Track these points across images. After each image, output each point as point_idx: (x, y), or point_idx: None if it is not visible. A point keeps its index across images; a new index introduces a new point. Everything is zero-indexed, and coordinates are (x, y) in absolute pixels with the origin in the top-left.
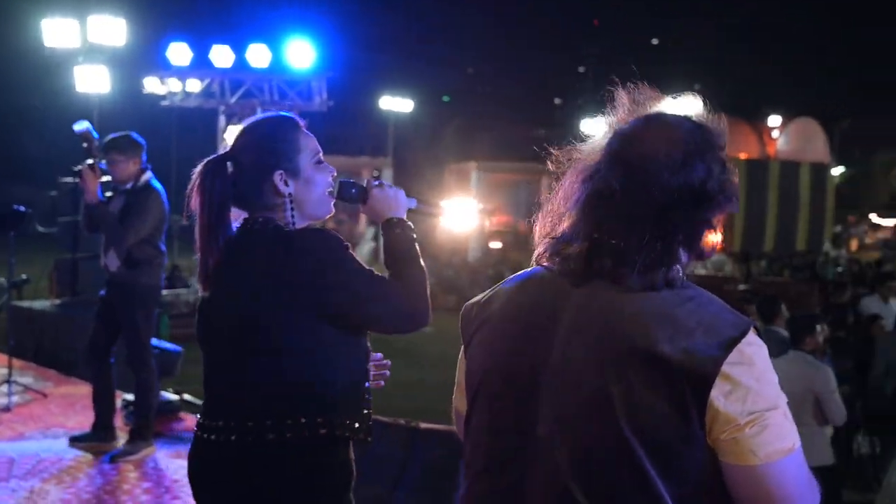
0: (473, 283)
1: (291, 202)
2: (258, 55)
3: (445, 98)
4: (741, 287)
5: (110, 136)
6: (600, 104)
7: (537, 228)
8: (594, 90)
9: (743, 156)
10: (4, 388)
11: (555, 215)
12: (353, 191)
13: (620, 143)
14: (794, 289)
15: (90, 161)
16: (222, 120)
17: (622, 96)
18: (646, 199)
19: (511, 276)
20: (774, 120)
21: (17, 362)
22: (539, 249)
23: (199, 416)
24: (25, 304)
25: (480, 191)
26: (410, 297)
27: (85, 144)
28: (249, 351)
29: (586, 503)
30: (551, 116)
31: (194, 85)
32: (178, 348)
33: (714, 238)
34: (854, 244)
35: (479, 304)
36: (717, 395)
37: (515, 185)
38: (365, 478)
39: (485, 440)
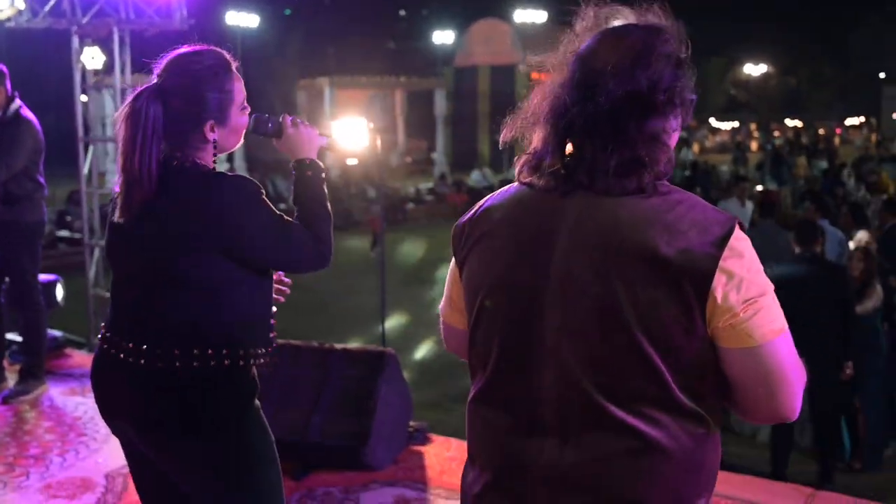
0: (336, 201)
1: (215, 146)
2: None
3: (287, 11)
4: None
5: None
6: (445, 14)
7: (501, 137)
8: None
9: None
10: None
11: (521, 127)
12: (269, 125)
13: (576, 60)
14: None
15: None
16: (75, 41)
17: (586, 14)
18: (595, 109)
19: (495, 194)
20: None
21: None
22: (516, 168)
23: (104, 329)
24: None
25: (333, 107)
26: (317, 241)
27: None
28: (162, 283)
29: (600, 397)
30: (398, 28)
31: (42, 5)
32: (57, 277)
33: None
34: (696, 148)
35: (469, 223)
36: (716, 288)
37: (369, 100)
38: (280, 403)
39: (493, 350)
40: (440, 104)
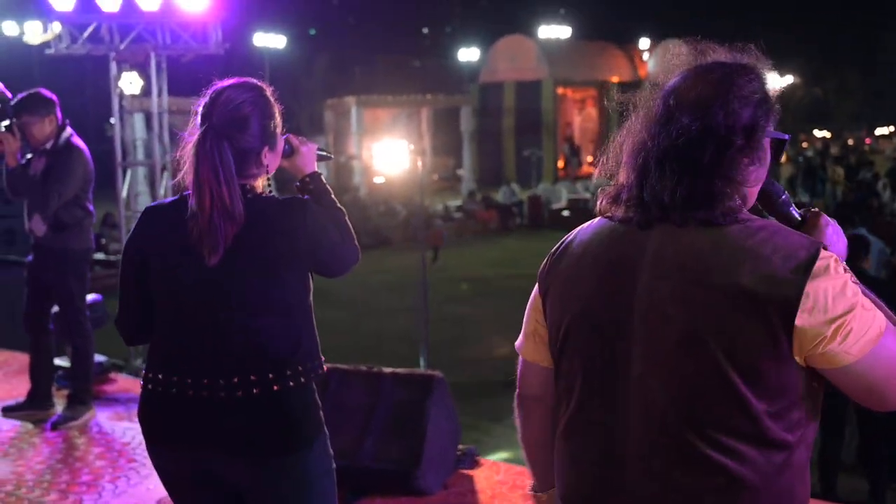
0: (365, 219)
1: (266, 171)
2: None
3: (312, 32)
4: None
5: (17, 97)
6: (468, 30)
7: (596, 171)
8: (462, 17)
9: (615, 79)
10: None
11: (612, 165)
12: (287, 147)
13: (662, 96)
14: None
15: (6, 123)
16: (113, 67)
17: (679, 51)
18: (669, 143)
19: (578, 229)
20: (644, 43)
21: None
22: (600, 202)
23: (155, 371)
24: None
25: (360, 126)
26: (351, 239)
27: None
28: (242, 312)
29: (685, 431)
30: (423, 46)
31: (81, 31)
32: (100, 297)
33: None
34: None
35: (552, 257)
36: (801, 313)
37: (395, 117)
38: (330, 427)
39: (577, 383)
40: (466, 121)
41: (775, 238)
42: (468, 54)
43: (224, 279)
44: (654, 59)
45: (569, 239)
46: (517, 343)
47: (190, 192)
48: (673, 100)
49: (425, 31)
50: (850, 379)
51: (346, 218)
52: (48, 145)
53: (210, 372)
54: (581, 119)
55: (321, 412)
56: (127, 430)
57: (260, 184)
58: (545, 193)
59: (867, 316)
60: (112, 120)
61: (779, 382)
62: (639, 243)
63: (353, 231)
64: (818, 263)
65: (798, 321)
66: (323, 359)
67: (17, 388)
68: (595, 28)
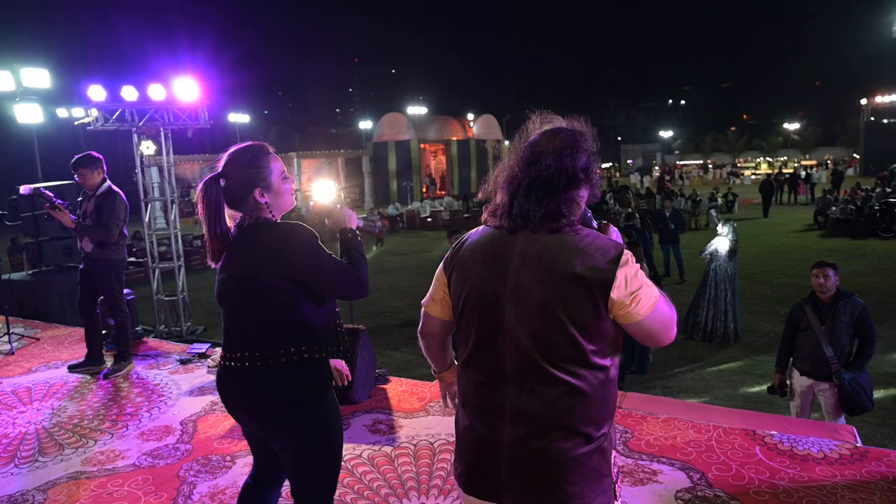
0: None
1: (268, 206)
2: (156, 91)
3: (266, 112)
4: (465, 215)
5: (76, 157)
6: (365, 110)
7: (480, 195)
8: (360, 101)
9: (454, 138)
10: (5, 338)
11: (492, 191)
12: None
13: (528, 147)
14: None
15: (51, 205)
16: (135, 137)
17: (535, 119)
18: (536, 177)
19: (470, 233)
20: (471, 116)
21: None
22: (483, 215)
23: (222, 351)
24: (5, 276)
25: (300, 171)
26: (360, 276)
27: (43, 200)
28: (255, 306)
29: (543, 363)
30: (336, 120)
31: (111, 114)
32: (130, 291)
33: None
34: None
35: (453, 251)
36: (614, 290)
37: (321, 165)
38: None
39: (472, 333)
40: (366, 166)
41: (596, 241)
42: (365, 124)
43: (230, 285)
44: (477, 125)
45: (464, 239)
46: (424, 302)
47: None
48: (537, 148)
49: (337, 110)
50: (639, 329)
51: (364, 266)
52: (98, 191)
53: (238, 348)
54: (435, 163)
55: (325, 383)
56: (157, 375)
57: (268, 216)
58: (416, 208)
59: (649, 290)
60: (136, 171)
61: (599, 333)
62: (510, 243)
63: (365, 275)
64: (623, 258)
65: (612, 294)
66: (334, 347)
67: (79, 352)
68: (440, 106)
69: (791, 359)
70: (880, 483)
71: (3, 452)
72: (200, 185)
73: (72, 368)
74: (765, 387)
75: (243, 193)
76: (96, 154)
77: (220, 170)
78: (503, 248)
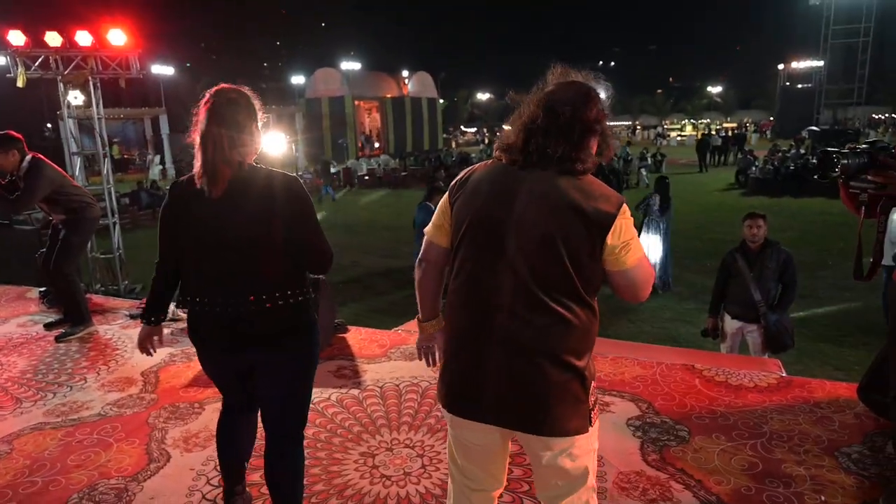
0: None
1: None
2: (83, 38)
3: (188, 64)
4: (403, 174)
5: None
6: (296, 64)
7: (499, 137)
8: (289, 56)
9: (389, 95)
10: None
11: (510, 133)
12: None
13: (546, 95)
14: (420, 172)
15: None
16: (61, 86)
17: (556, 70)
18: (556, 122)
19: (477, 165)
20: (406, 73)
21: None
22: (496, 151)
23: (194, 297)
24: None
25: None
26: (329, 254)
27: None
28: (262, 249)
29: (538, 292)
30: (265, 74)
31: (32, 62)
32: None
33: (594, 149)
34: (453, 143)
35: (459, 181)
36: (610, 234)
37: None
38: None
39: (470, 258)
40: (299, 122)
41: (601, 188)
42: (297, 79)
43: (230, 225)
44: (412, 82)
45: (471, 170)
46: (426, 229)
47: (196, 146)
48: (557, 97)
49: (265, 64)
50: (623, 278)
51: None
52: (21, 171)
53: (233, 293)
54: (370, 120)
55: (313, 316)
56: (108, 330)
57: (251, 158)
58: (352, 166)
59: (638, 244)
60: (48, 125)
61: (590, 272)
62: (519, 178)
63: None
64: (622, 208)
65: (608, 239)
66: (312, 290)
67: (16, 309)
68: (375, 62)
69: (722, 304)
70: (803, 406)
71: None
72: (204, 126)
73: (48, 326)
74: (697, 331)
75: (242, 133)
76: (13, 133)
77: (219, 109)
78: (512, 182)
